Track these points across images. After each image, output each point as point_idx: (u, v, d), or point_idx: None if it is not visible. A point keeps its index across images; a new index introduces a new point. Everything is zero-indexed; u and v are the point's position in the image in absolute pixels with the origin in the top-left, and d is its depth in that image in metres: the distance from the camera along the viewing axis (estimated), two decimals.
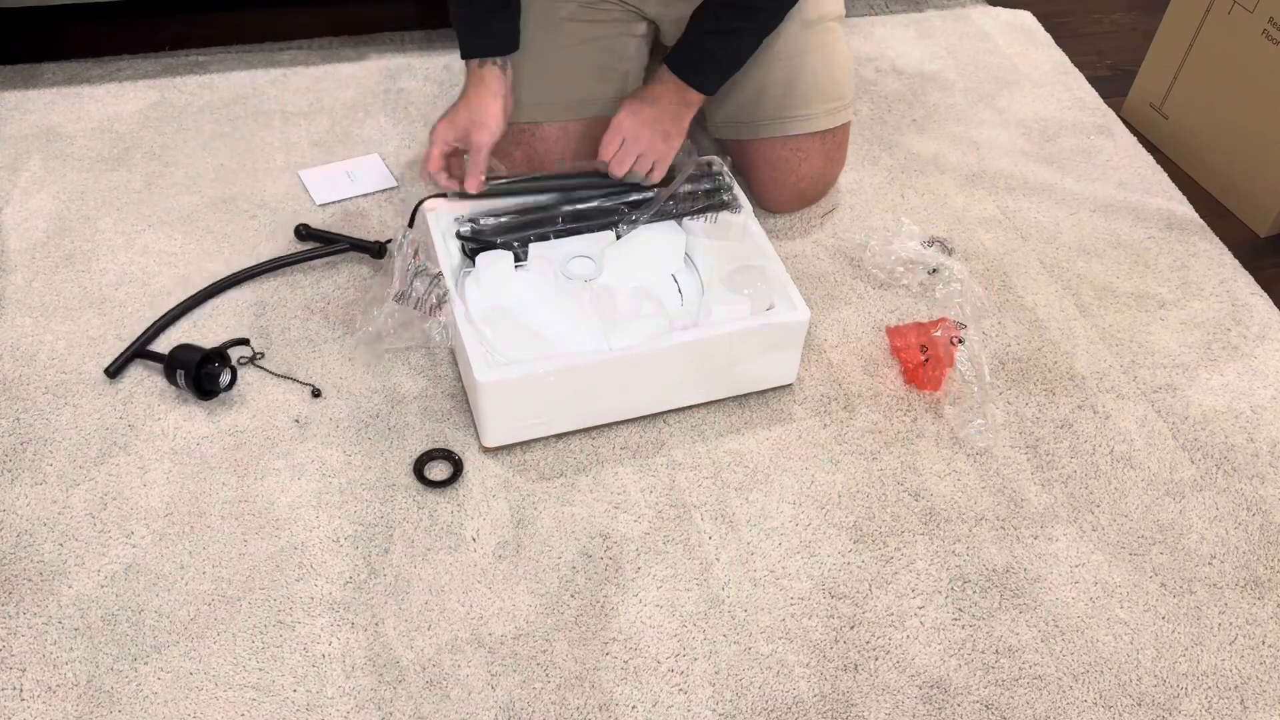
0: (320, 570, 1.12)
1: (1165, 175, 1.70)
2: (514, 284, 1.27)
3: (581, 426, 1.25)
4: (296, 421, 1.25)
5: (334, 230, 1.48)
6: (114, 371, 1.28)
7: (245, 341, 1.32)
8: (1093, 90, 1.87)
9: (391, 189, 1.57)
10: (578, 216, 1.34)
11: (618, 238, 1.33)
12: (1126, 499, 1.24)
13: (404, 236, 1.25)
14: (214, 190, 1.55)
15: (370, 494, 1.19)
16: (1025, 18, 2.03)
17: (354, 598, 1.10)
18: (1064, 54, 1.95)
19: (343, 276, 1.43)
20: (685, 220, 1.35)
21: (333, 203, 1.54)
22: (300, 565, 1.13)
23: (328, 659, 1.05)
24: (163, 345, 1.30)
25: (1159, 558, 1.19)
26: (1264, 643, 1.12)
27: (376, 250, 1.43)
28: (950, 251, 1.50)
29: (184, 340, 1.32)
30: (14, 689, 1.02)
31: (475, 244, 1.29)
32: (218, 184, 1.56)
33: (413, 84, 1.75)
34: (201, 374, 1.25)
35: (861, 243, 1.51)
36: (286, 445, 1.23)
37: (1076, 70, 1.91)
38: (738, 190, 1.37)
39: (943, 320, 1.35)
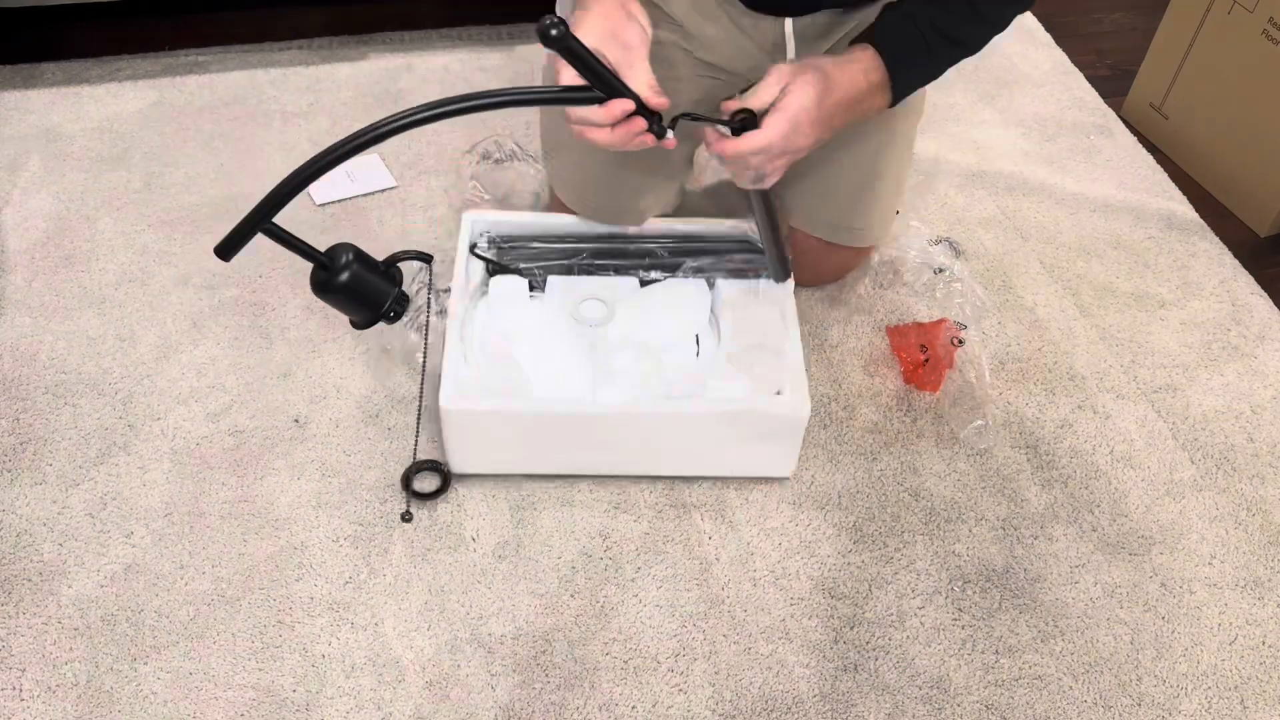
0: (320, 570, 1.12)
1: (1165, 175, 1.70)
2: (521, 313, 1.23)
3: (553, 473, 1.19)
4: (296, 421, 1.25)
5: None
6: (225, 251, 1.04)
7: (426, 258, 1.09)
8: (1093, 90, 1.87)
9: (391, 189, 1.57)
10: (608, 255, 1.27)
11: (641, 285, 1.27)
12: (1126, 499, 1.24)
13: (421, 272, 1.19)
14: (214, 190, 1.55)
15: (370, 494, 1.19)
16: (1025, 17, 2.03)
17: (354, 598, 1.10)
18: (1064, 54, 1.95)
19: None
20: (719, 280, 1.26)
21: (332, 202, 1.54)
22: (300, 565, 1.12)
23: (327, 659, 1.05)
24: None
25: (1159, 558, 1.19)
26: (1264, 643, 1.12)
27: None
28: (959, 253, 1.50)
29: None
30: (14, 689, 1.02)
31: (497, 265, 1.25)
32: (218, 184, 1.56)
33: (413, 84, 1.75)
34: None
35: None
36: (286, 445, 1.23)
37: (1076, 70, 1.91)
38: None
39: (943, 321, 1.35)
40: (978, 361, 1.36)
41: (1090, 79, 1.89)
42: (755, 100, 0.98)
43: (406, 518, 1.13)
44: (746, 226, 1.27)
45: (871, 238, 1.36)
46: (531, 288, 1.25)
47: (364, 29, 1.87)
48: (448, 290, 1.21)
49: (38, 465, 1.20)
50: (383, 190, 1.56)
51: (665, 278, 1.27)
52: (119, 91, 1.71)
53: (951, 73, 1.85)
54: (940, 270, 1.46)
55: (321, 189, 1.56)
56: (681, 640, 1.09)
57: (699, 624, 1.10)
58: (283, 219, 1.52)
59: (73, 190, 1.53)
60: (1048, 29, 2.01)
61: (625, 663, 1.07)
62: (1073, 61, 1.93)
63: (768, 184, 1.05)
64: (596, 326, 1.22)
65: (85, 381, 1.28)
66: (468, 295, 1.22)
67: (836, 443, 1.28)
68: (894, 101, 1.03)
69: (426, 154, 1.62)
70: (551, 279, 1.25)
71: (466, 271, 1.23)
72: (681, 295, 1.25)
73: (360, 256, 1.00)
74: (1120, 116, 1.83)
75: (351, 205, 1.54)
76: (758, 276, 1.26)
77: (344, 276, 0.99)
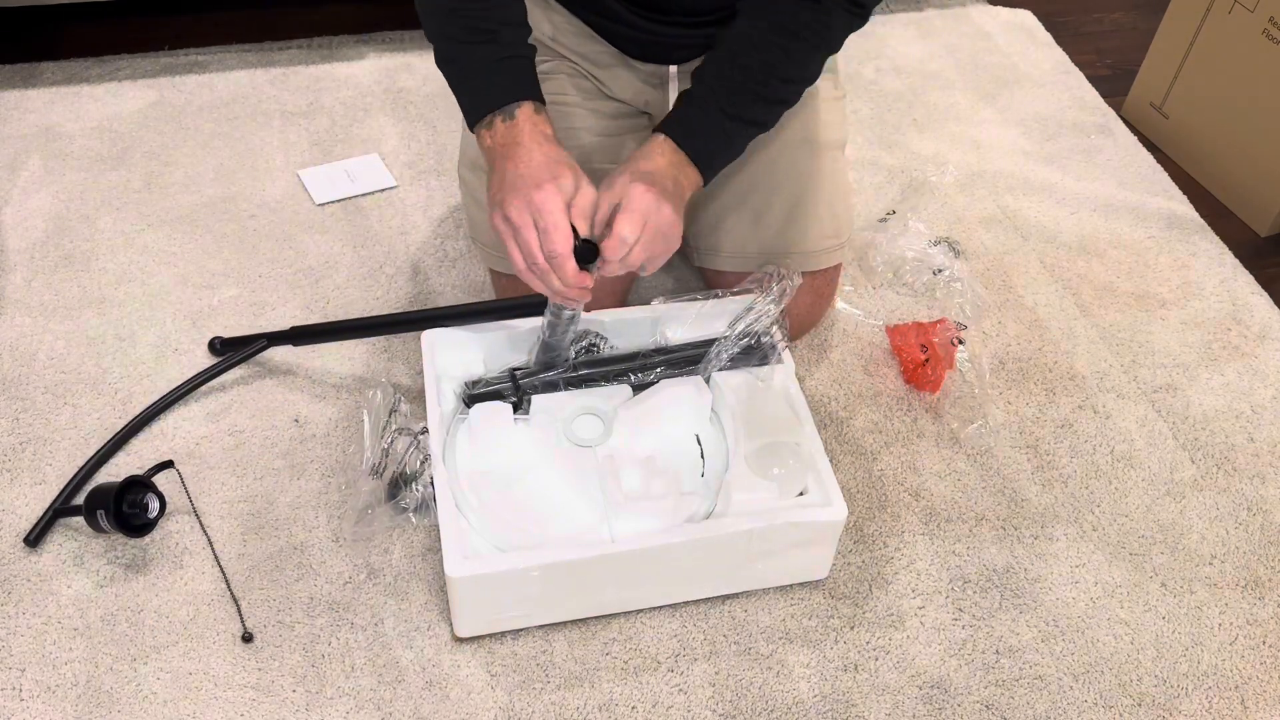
0: (320, 570, 1.12)
1: (1165, 175, 1.70)
2: (511, 442, 1.11)
3: (572, 618, 1.09)
4: (296, 421, 1.25)
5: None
6: (34, 540, 1.11)
7: (169, 464, 1.16)
8: (1093, 89, 1.87)
9: (391, 188, 1.57)
10: (593, 364, 1.17)
11: (635, 392, 1.16)
12: (1127, 499, 1.24)
13: (379, 391, 1.14)
14: (214, 190, 1.55)
15: (370, 494, 1.18)
16: (1025, 17, 2.03)
17: (354, 598, 1.10)
18: (1064, 53, 1.95)
19: (341, 276, 1.43)
20: (714, 375, 1.16)
21: (332, 202, 1.54)
22: (300, 565, 1.12)
23: (327, 659, 1.05)
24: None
25: (1159, 558, 1.19)
26: (1264, 643, 1.12)
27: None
28: (959, 253, 1.50)
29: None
30: (14, 689, 1.02)
31: (472, 391, 1.14)
32: (217, 184, 1.56)
33: (412, 83, 1.75)
34: (124, 509, 1.09)
35: (868, 240, 1.51)
36: (286, 445, 1.23)
37: (1077, 69, 1.91)
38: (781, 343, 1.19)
39: (943, 321, 1.35)
40: (978, 361, 1.35)
41: (1090, 78, 1.89)
42: (597, 220, 1.02)
43: (248, 639, 1.07)
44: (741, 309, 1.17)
45: (818, 261, 1.29)
46: (515, 408, 1.13)
47: (364, 29, 1.87)
48: (424, 430, 1.12)
49: (38, 465, 1.19)
50: (382, 190, 1.56)
51: (660, 376, 1.16)
52: (118, 91, 1.71)
53: (952, 72, 1.87)
54: (940, 270, 1.46)
55: (321, 188, 1.56)
56: (681, 640, 1.09)
57: (699, 624, 1.10)
58: (283, 218, 1.53)
59: (72, 190, 1.53)
60: (1048, 28, 2.01)
61: (625, 663, 1.07)
62: (1073, 61, 1.93)
63: (650, 271, 1.06)
64: (594, 446, 1.11)
65: (85, 381, 1.28)
66: (444, 427, 1.10)
67: (836, 443, 1.27)
68: (706, 179, 1.09)
69: (427, 154, 1.62)
70: (536, 399, 1.13)
71: (439, 398, 1.12)
72: (680, 397, 1.13)
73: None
74: (1120, 116, 1.83)
75: (351, 205, 1.54)
76: (764, 362, 1.17)
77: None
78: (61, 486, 1.16)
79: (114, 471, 1.19)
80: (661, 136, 1.07)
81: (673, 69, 1.22)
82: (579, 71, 1.24)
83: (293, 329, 1.28)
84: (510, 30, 1.03)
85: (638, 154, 1.06)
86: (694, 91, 1.08)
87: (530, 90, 1.02)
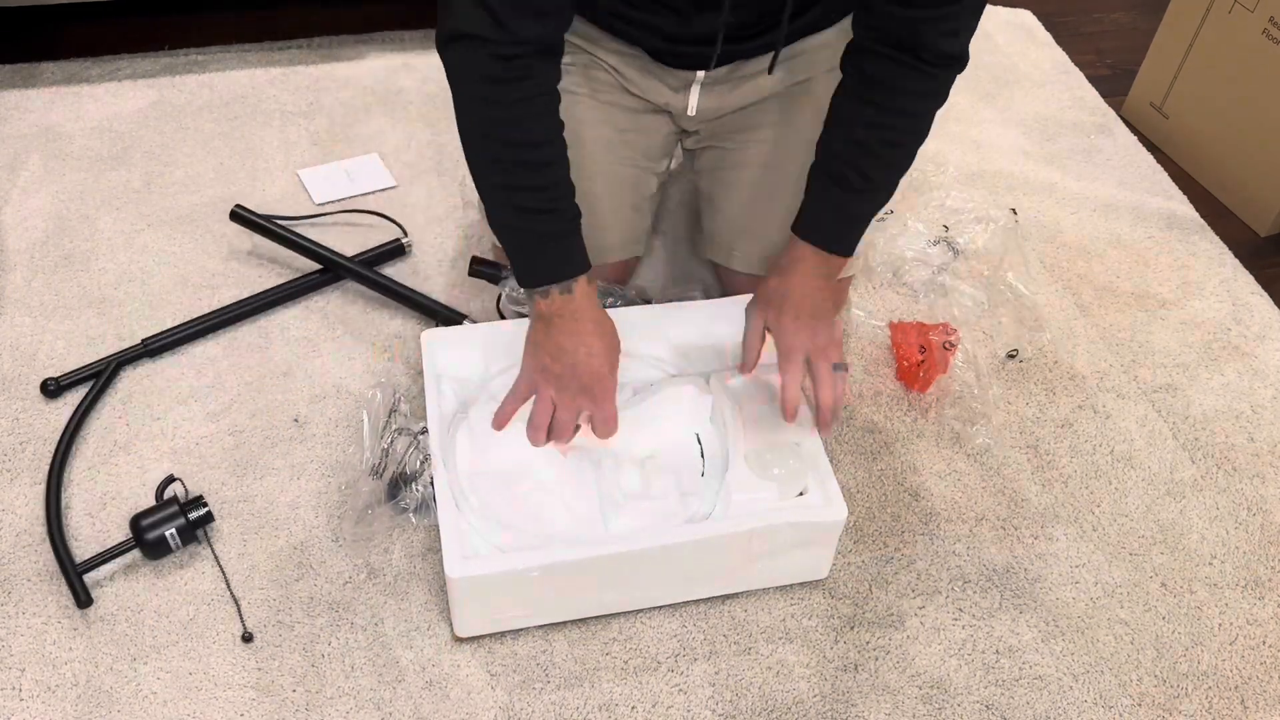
0: (320, 570, 1.12)
1: (1165, 175, 1.70)
2: (511, 442, 1.10)
3: (572, 618, 1.09)
4: (296, 421, 1.25)
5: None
6: (85, 604, 1.07)
7: (173, 478, 1.15)
8: (1093, 89, 1.87)
9: (390, 188, 1.57)
10: None
11: (634, 392, 1.16)
12: (1127, 499, 1.24)
13: (379, 391, 1.16)
14: (214, 190, 1.55)
15: (370, 494, 1.18)
16: (1025, 17, 2.03)
17: (354, 598, 1.10)
18: (1064, 53, 1.95)
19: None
20: (713, 375, 1.16)
21: (331, 202, 1.54)
22: (300, 565, 1.12)
23: (328, 659, 1.05)
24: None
25: (1159, 558, 1.19)
26: (1264, 643, 1.12)
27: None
28: (957, 252, 1.50)
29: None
30: (14, 689, 1.02)
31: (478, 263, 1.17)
32: (217, 184, 1.56)
33: (412, 83, 1.75)
34: (189, 519, 1.10)
35: (868, 240, 1.51)
36: (286, 445, 1.23)
37: (1077, 69, 1.91)
38: None
39: (944, 324, 1.35)
40: (976, 362, 1.35)
41: (1090, 78, 1.89)
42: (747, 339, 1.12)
43: (248, 638, 1.07)
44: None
45: None
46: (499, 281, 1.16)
47: (364, 29, 1.87)
48: (424, 430, 1.12)
49: (38, 465, 1.19)
50: (382, 190, 1.56)
51: (660, 377, 1.17)
52: (119, 91, 1.71)
53: None
54: (940, 270, 1.46)
55: (321, 188, 1.56)
56: (681, 640, 1.09)
57: (699, 624, 1.10)
58: (283, 216, 1.52)
59: (73, 190, 1.53)
60: (1048, 29, 2.01)
61: (625, 663, 1.07)
62: (1073, 61, 1.93)
63: (832, 360, 1.10)
64: (594, 446, 1.11)
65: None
66: (444, 427, 1.11)
67: (836, 442, 1.28)
68: (851, 252, 1.13)
69: (426, 153, 1.62)
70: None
71: (439, 398, 1.12)
72: (679, 398, 1.14)
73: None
74: (1120, 116, 1.83)
75: (350, 204, 1.54)
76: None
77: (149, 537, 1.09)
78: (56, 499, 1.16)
79: (113, 475, 1.19)
80: (800, 244, 1.10)
81: (700, 73, 1.21)
82: (600, 65, 1.23)
83: (144, 341, 1.29)
84: (566, 201, 1.04)
85: (782, 269, 1.11)
86: (816, 187, 1.11)
87: (585, 262, 1.05)
